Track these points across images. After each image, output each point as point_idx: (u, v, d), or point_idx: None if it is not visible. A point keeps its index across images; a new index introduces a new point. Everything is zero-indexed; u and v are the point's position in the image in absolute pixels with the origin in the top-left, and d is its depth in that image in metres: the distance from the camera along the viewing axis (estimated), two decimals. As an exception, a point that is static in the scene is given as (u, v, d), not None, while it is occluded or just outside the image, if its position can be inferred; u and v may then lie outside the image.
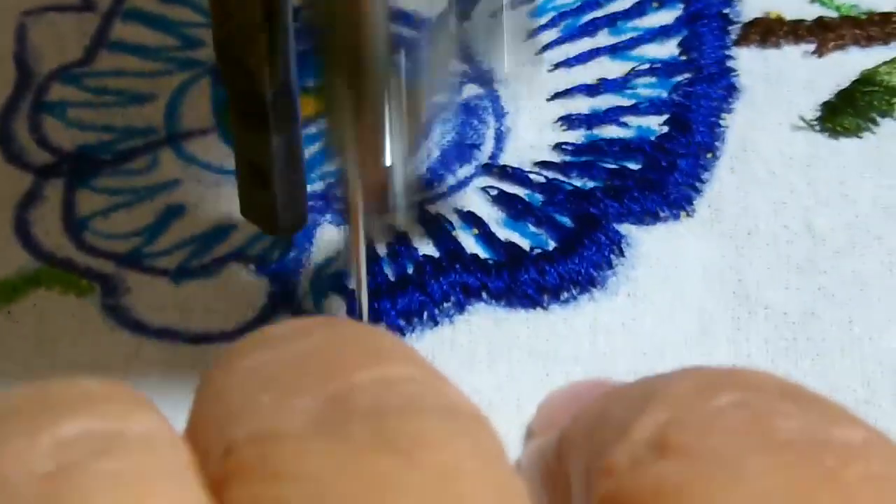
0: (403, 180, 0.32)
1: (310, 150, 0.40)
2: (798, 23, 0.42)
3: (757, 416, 0.26)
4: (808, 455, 0.25)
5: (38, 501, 0.21)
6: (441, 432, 0.24)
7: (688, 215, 0.38)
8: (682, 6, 0.42)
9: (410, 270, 0.37)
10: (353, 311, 0.37)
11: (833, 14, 0.42)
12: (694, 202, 0.38)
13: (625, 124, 0.40)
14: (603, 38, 0.42)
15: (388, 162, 0.31)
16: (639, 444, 0.26)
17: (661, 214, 0.38)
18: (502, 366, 0.36)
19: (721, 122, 0.40)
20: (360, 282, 0.34)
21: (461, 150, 0.40)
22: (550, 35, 0.42)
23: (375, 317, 0.37)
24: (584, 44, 0.42)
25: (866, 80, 0.40)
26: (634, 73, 0.41)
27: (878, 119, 0.40)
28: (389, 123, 0.31)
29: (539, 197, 0.39)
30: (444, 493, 0.23)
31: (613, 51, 0.42)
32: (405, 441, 0.23)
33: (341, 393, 0.25)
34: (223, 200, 0.39)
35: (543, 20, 0.42)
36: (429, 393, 0.26)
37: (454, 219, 0.38)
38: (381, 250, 0.38)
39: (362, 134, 0.31)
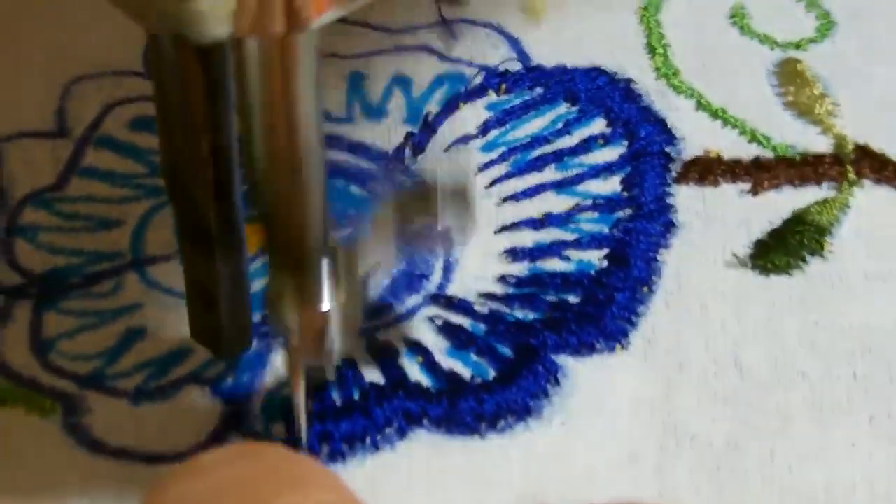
0: (340, 325, 0.36)
1: (263, 281, 0.43)
2: (736, 162, 0.45)
3: None
4: None
5: None
6: None
7: (622, 348, 0.42)
8: (626, 143, 0.46)
9: (356, 396, 0.41)
10: (294, 435, 0.40)
11: (770, 154, 0.46)
12: (629, 335, 0.42)
13: (567, 258, 0.44)
14: (550, 174, 0.46)
15: (325, 307, 0.35)
16: None
17: (597, 346, 0.42)
18: (438, 492, 0.39)
19: (658, 257, 0.43)
20: (300, 413, 0.38)
21: (411, 280, 0.43)
22: (501, 169, 0.46)
23: (320, 439, 0.40)
24: (532, 178, 0.45)
25: (798, 220, 0.44)
26: (578, 209, 0.45)
27: (808, 257, 0.43)
28: (327, 275, 0.35)
29: (482, 327, 0.42)
30: None
31: (559, 186, 0.45)
32: None
33: None
34: (182, 324, 0.42)
35: (494, 154, 0.46)
36: None
37: (401, 347, 0.42)
38: (330, 375, 0.41)
39: (301, 284, 0.35)
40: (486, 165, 0.46)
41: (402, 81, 0.48)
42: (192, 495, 0.31)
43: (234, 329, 0.40)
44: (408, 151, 0.46)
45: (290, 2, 0.31)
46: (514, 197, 0.45)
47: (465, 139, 0.47)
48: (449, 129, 0.47)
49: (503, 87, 0.48)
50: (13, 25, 0.49)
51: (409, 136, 0.46)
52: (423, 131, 0.47)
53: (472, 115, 0.47)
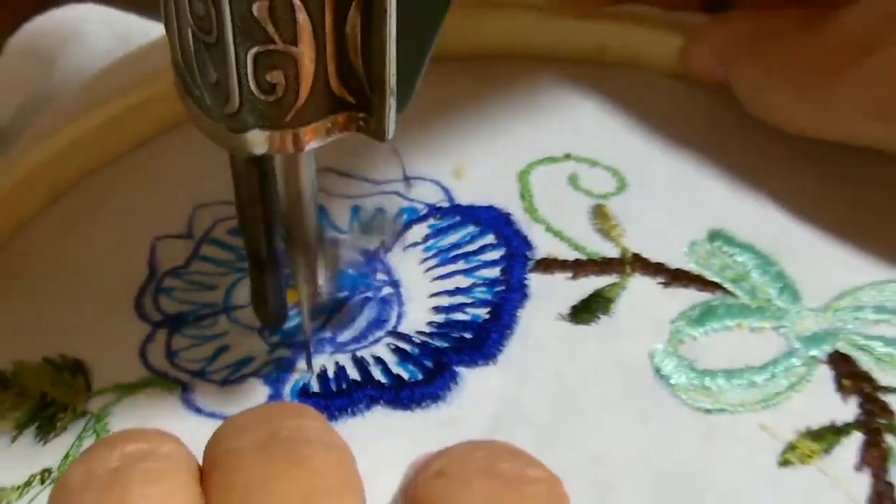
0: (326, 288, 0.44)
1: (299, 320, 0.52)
2: (565, 261, 0.53)
3: (490, 460, 0.38)
4: (510, 480, 0.37)
5: (106, 480, 0.31)
6: (321, 453, 0.35)
7: (494, 364, 0.50)
8: (504, 249, 0.54)
9: (344, 386, 0.50)
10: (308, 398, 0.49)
11: (584, 257, 0.54)
12: (497, 357, 0.49)
13: (466, 313, 0.52)
14: (461, 265, 0.53)
15: (320, 282, 0.44)
16: (430, 473, 0.38)
17: (479, 363, 0.49)
18: (387, 440, 0.47)
19: (518, 314, 0.52)
20: (309, 337, 0.46)
21: (378, 322, 0.52)
22: (433, 262, 0.54)
23: (322, 409, 0.48)
24: (451, 267, 0.53)
25: (597, 294, 0.51)
26: (475, 286, 0.53)
27: (601, 316, 0.52)
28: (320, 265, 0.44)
29: (416, 350, 0.51)
30: (314, 483, 0.33)
31: (465, 272, 0.53)
32: (299, 457, 0.34)
33: (275, 431, 0.35)
34: (251, 344, 0.52)
35: (430, 254, 0.54)
36: (322, 434, 0.37)
37: (370, 360, 0.51)
38: (330, 373, 0.51)
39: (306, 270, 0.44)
40: (425, 260, 0.55)
41: (381, 211, 0.56)
42: (237, 422, 0.39)
43: (276, 310, 0.47)
44: (382, 251, 0.56)
45: (296, 137, 0.39)
46: (440, 278, 0.54)
47: (414, 244, 0.55)
48: (406, 239, 0.55)
49: (438, 216, 0.56)
50: (162, 169, 0.58)
51: (382, 242, 0.56)
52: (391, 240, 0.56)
53: (420, 231, 0.55)
